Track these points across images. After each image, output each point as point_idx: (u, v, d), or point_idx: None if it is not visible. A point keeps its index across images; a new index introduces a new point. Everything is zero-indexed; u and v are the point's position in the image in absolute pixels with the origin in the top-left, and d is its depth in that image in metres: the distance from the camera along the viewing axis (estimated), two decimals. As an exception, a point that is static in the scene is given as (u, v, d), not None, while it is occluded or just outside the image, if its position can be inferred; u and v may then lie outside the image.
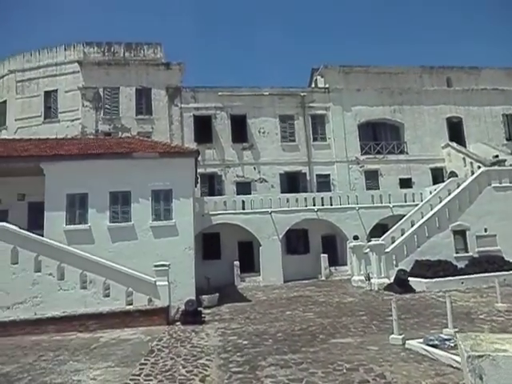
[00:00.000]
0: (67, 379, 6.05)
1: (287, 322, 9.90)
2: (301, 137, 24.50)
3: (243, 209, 20.31)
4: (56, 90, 23.53)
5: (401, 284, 14.02)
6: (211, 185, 23.19)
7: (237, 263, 19.88)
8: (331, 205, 21.05)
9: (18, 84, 24.15)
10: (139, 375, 6.03)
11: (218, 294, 13.70)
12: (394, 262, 15.71)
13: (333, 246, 22.09)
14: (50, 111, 23.47)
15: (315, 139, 24.71)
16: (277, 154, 24.05)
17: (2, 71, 25.01)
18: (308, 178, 24.09)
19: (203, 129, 23.44)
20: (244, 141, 23.85)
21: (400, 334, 7.11)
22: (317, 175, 24.23)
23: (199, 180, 21.18)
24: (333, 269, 20.68)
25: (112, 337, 9.12)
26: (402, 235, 17.05)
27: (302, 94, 24.79)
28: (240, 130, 23.82)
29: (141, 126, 22.93)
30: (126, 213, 13.67)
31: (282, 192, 22.85)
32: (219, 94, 23.76)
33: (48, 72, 23.80)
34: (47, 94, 23.61)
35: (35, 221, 13.53)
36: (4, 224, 11.10)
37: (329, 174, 24.37)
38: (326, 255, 20.48)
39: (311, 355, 6.69)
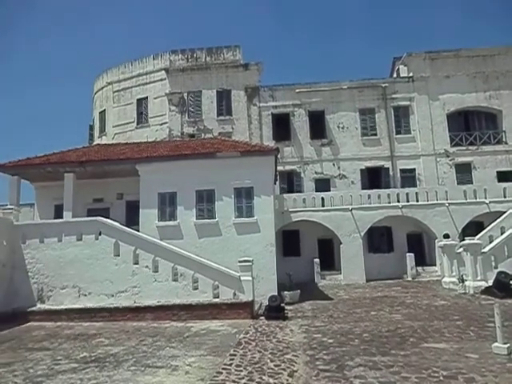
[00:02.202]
0: (166, 363, 6.58)
1: (373, 322, 9.59)
2: (382, 130, 23.46)
3: (323, 206, 20.08)
4: (146, 98, 25.58)
5: (502, 288, 12.68)
6: (290, 182, 23.31)
7: (317, 260, 19.73)
8: (417, 201, 19.83)
9: (114, 94, 26.74)
10: (230, 365, 6.33)
11: (299, 291, 13.75)
12: (493, 264, 14.28)
13: (419, 245, 20.82)
14: (141, 117, 25.61)
15: (398, 132, 23.48)
16: (357, 149, 23.33)
17: (101, 83, 27.91)
18: (391, 173, 22.98)
19: (281, 126, 23.64)
20: (323, 137, 23.54)
21: (505, 343, 6.47)
22: (401, 170, 23.02)
23: (278, 177, 21.41)
24: (420, 269, 19.50)
25: (202, 327, 9.67)
26: (501, 234, 15.43)
27: (384, 85, 23.69)
28: (318, 126, 23.57)
29: (222, 126, 23.87)
30: (210, 210, 14.36)
31: (362, 188, 22.14)
32: (297, 90, 23.75)
33: (139, 81, 25.98)
34: (139, 101, 25.78)
35: (132, 218, 14.86)
36: (108, 220, 12.40)
37: (414, 169, 23.00)
38: (412, 254, 19.37)
39: (402, 359, 6.41)
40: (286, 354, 7.01)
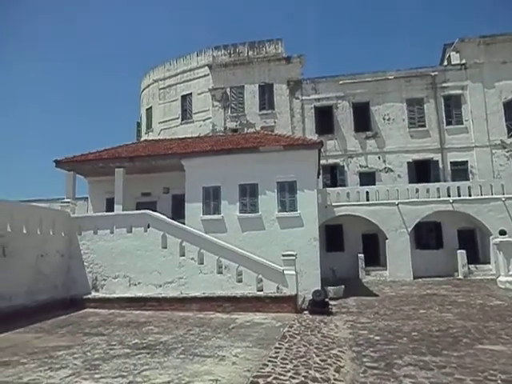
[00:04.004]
0: (213, 353, 6.75)
1: (422, 321, 9.26)
2: (432, 121, 22.42)
3: (367, 200, 19.60)
4: (190, 94, 26.15)
5: None
6: (333, 176, 22.94)
7: (361, 256, 19.36)
8: (469, 195, 18.84)
9: (160, 91, 27.57)
10: (275, 358, 6.37)
11: (343, 286, 13.56)
12: (556, 263, 13.29)
13: (471, 242, 19.81)
14: (186, 113, 26.23)
15: (449, 123, 22.34)
16: (404, 142, 22.49)
17: (147, 81, 28.88)
18: (441, 165, 21.96)
19: (324, 119, 23.28)
20: (367, 129, 22.91)
21: None
22: (451, 162, 21.93)
23: (321, 171, 21.14)
24: (472, 267, 18.55)
25: (246, 319, 9.81)
26: None
27: (433, 74, 22.59)
28: (363, 118, 22.95)
29: (264, 120, 23.90)
30: (253, 204, 14.46)
31: (409, 182, 21.34)
32: (340, 82, 23.25)
33: (184, 78, 26.59)
34: (183, 97, 26.41)
35: (178, 211, 15.32)
36: (155, 214, 12.87)
37: (466, 161, 21.83)
38: (463, 251, 18.46)
39: (455, 360, 6.14)
40: (331, 349, 6.95)
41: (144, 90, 29.42)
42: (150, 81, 28.56)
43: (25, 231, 10.98)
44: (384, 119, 22.85)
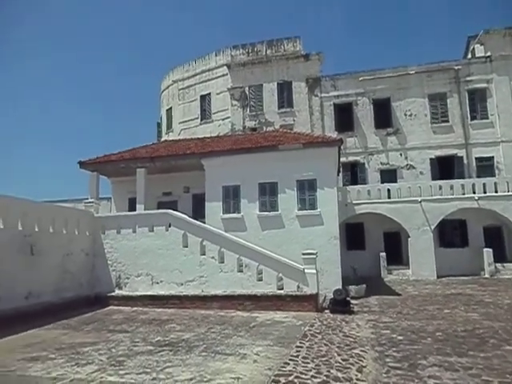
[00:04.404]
0: (235, 351, 6.80)
1: (447, 321, 9.06)
2: (455, 116, 21.85)
3: (389, 198, 19.30)
4: (209, 94, 26.33)
5: None
6: (353, 173, 22.68)
7: (383, 254, 19.09)
8: (496, 192, 18.31)
9: (179, 92, 27.88)
10: (297, 357, 6.36)
11: (365, 285, 13.39)
12: None
13: (498, 239, 19.27)
14: (205, 113, 26.43)
15: (474, 117, 21.72)
16: (426, 138, 22.01)
17: (167, 82, 29.25)
18: (465, 161, 21.38)
19: (344, 117, 23.02)
20: (388, 126, 22.53)
21: None
22: (476, 158, 21.32)
23: (341, 169, 20.93)
24: (499, 265, 18.02)
25: (267, 318, 9.82)
26: None
27: (456, 68, 22.00)
28: (383, 114, 22.58)
29: (283, 118, 23.83)
30: (273, 202, 14.45)
31: (432, 179, 20.88)
32: (360, 79, 22.92)
33: (202, 78, 26.79)
34: (202, 97, 26.62)
35: (198, 210, 15.48)
36: (176, 213, 13.03)
37: (492, 157, 21.18)
38: (489, 250, 17.96)
39: (482, 361, 5.98)
40: (353, 348, 6.89)
41: (164, 90, 29.81)
42: (169, 82, 28.90)
43: (51, 231, 11.32)
44: (405, 115, 22.42)
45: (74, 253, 12.18)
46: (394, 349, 6.82)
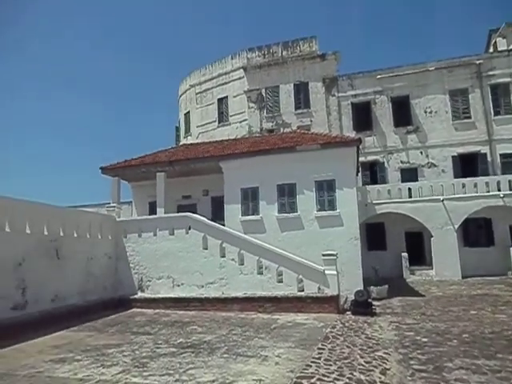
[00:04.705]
0: (256, 353, 6.80)
1: (473, 322, 8.82)
2: (478, 112, 21.30)
3: (410, 197, 18.97)
4: (226, 97, 26.50)
5: None
6: (373, 173, 22.38)
7: (405, 255, 18.76)
8: (523, 189, 17.70)
9: (197, 96, 28.16)
10: (319, 359, 6.31)
11: (387, 286, 13.19)
12: None
13: (526, 239, 18.59)
14: (222, 116, 26.61)
15: (497, 113, 21.11)
16: (447, 135, 21.52)
17: (185, 87, 29.60)
18: (489, 158, 20.81)
19: (362, 116, 22.77)
20: (408, 124, 22.15)
21: None
22: (501, 155, 20.71)
23: (360, 169, 20.69)
24: (528, 265, 17.42)
25: (287, 320, 9.79)
26: None
27: (478, 62, 21.44)
28: (403, 112, 22.21)
29: (300, 119, 23.75)
30: (292, 204, 14.41)
31: (454, 177, 20.40)
32: (378, 77, 22.63)
33: (219, 81, 26.99)
34: (220, 101, 26.81)
35: (217, 213, 15.58)
36: (196, 216, 13.15)
37: (517, 153, 20.51)
38: (517, 249, 17.38)
39: (511, 364, 5.80)
40: (376, 350, 6.79)
41: (182, 95, 30.17)
42: (187, 86, 29.24)
43: (75, 235, 11.61)
44: (425, 112, 22.00)
45: (97, 256, 12.45)
46: (419, 351, 6.68)
